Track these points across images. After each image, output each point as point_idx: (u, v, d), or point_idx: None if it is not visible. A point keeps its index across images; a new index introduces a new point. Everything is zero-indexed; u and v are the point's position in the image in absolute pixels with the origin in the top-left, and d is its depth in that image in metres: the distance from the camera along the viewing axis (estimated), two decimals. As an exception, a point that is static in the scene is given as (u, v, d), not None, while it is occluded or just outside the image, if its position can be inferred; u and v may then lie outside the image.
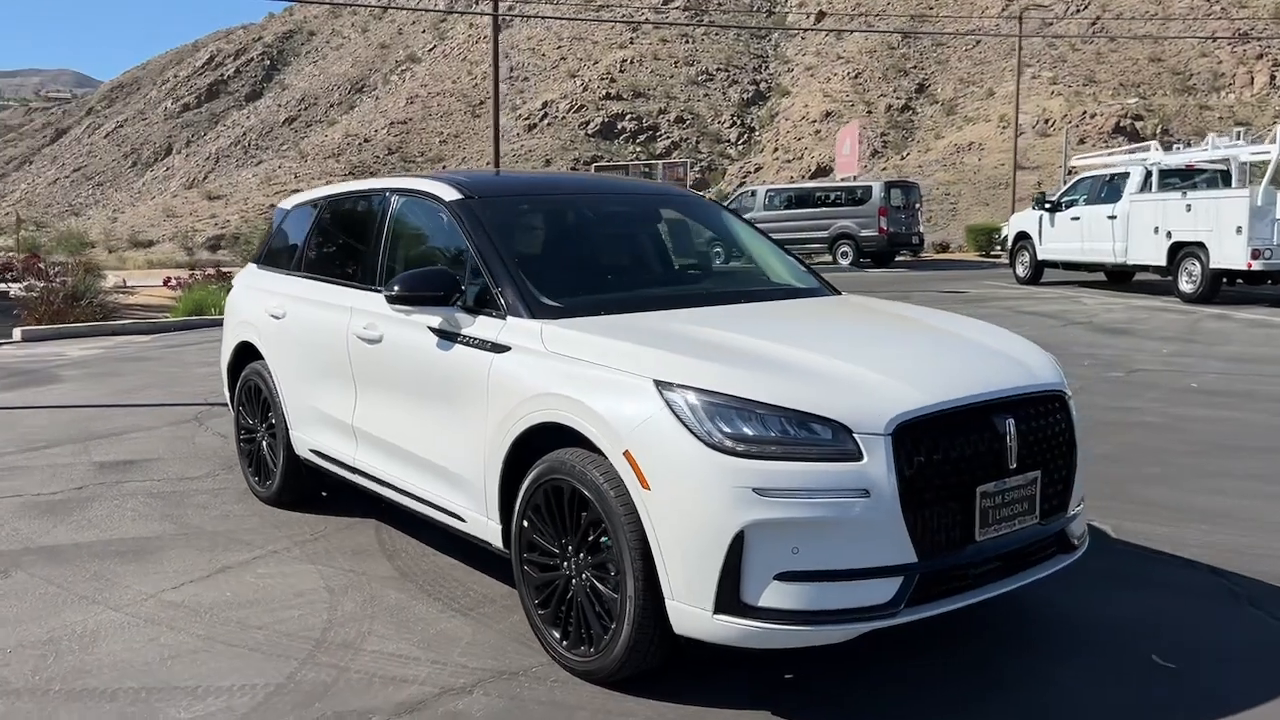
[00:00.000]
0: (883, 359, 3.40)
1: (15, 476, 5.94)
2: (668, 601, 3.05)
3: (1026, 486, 3.27)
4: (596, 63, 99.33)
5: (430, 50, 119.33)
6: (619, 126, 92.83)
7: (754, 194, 28.27)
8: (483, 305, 3.84)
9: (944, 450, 3.07)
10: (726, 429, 2.98)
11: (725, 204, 5.03)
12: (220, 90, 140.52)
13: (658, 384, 3.11)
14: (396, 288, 3.88)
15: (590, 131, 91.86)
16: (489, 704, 3.20)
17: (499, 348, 3.67)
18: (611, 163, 76.91)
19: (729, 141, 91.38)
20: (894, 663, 3.47)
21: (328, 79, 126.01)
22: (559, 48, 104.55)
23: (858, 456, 2.95)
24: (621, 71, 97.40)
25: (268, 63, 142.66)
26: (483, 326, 3.78)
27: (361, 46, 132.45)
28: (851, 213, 25.78)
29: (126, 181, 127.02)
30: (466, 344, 3.81)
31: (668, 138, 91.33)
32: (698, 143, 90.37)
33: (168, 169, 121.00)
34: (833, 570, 2.95)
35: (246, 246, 51.83)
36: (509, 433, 3.53)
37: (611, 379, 3.24)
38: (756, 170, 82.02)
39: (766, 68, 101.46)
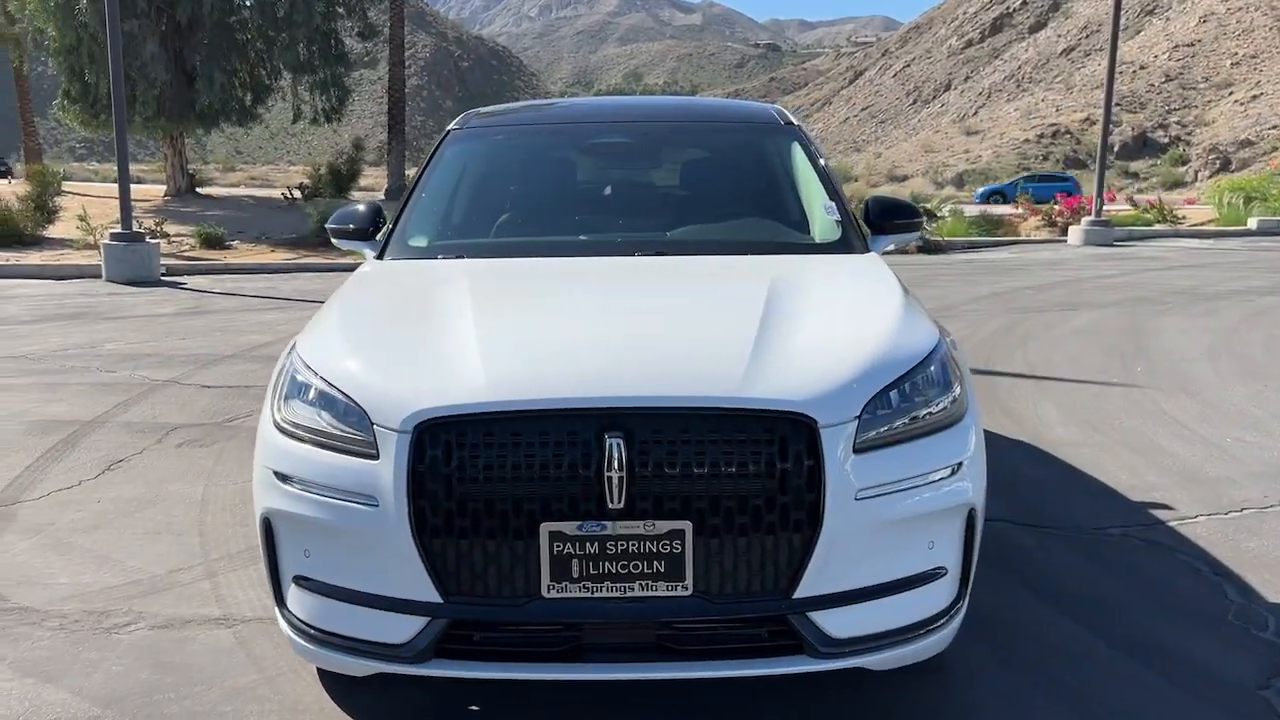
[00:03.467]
0: (572, 339, 2.57)
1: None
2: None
3: (658, 540, 2.20)
4: None
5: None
6: None
7: None
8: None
9: (493, 465, 2.22)
10: (287, 399, 2.55)
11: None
12: (1004, 24, 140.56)
13: (296, 342, 2.74)
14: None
15: None
16: (167, 638, 3.16)
17: None
18: None
19: None
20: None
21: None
22: None
23: (373, 454, 2.30)
24: None
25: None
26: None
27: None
28: None
29: (905, 119, 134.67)
30: None
31: None
32: None
33: (942, 105, 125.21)
34: (338, 587, 2.38)
35: (990, 183, 51.84)
36: None
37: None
38: None
39: None
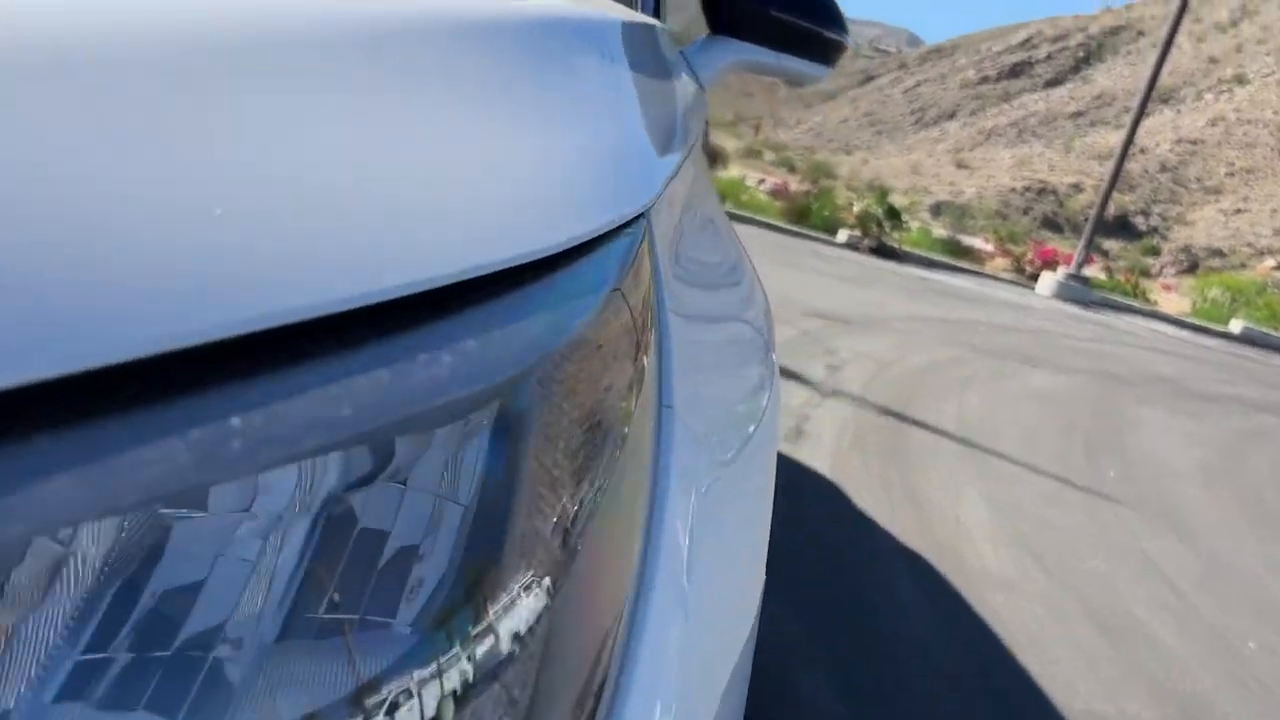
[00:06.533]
0: None
1: None
2: None
3: None
4: None
5: (1265, 76, 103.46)
6: None
7: None
8: None
9: None
10: None
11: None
12: (1023, 71, 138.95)
13: None
14: None
15: None
16: None
17: None
18: None
19: None
20: None
21: (1136, 81, 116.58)
22: None
23: None
24: None
25: (1082, 54, 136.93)
26: None
27: (1189, 57, 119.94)
28: None
29: (902, 135, 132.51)
30: None
31: None
32: None
33: (941, 132, 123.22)
34: None
35: (965, 220, 50.68)
36: None
37: None
38: None
39: None
